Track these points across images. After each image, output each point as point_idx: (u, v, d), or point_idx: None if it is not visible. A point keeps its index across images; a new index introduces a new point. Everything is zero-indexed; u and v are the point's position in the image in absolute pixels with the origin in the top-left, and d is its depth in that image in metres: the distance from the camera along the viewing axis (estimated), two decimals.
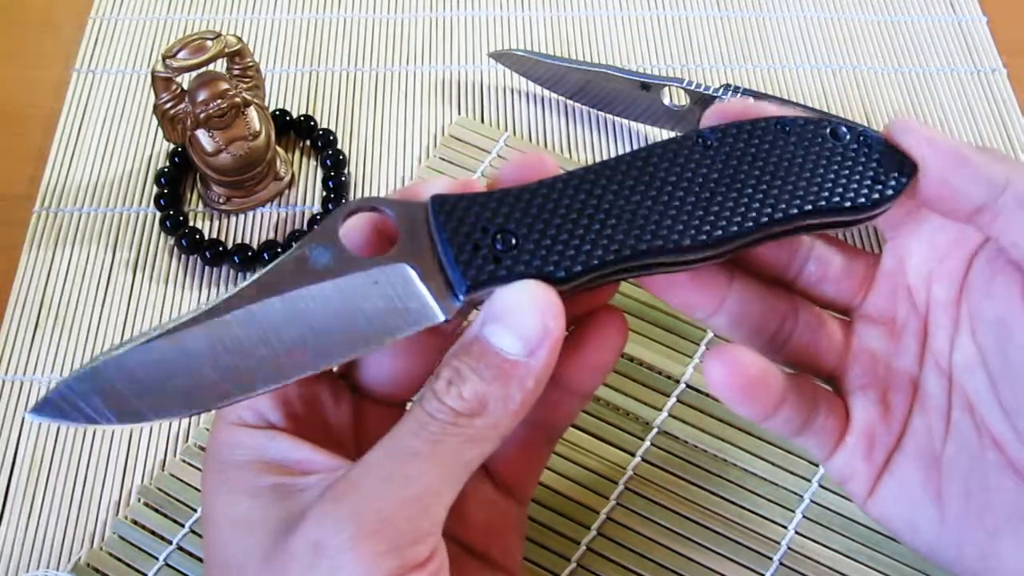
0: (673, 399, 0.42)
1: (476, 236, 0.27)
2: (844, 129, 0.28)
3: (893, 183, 0.28)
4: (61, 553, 0.39)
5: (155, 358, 0.25)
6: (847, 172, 0.28)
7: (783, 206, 0.27)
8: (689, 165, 0.28)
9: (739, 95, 0.47)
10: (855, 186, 0.28)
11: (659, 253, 0.27)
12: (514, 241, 0.27)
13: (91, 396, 0.25)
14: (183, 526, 0.39)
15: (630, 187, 0.27)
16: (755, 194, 0.27)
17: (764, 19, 0.58)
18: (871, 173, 0.28)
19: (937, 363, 0.29)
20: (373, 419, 0.30)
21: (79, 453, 0.42)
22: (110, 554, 0.39)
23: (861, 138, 0.28)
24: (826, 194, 0.28)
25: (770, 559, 0.39)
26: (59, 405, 0.25)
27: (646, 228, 0.27)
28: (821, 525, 0.39)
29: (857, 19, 0.59)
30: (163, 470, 0.41)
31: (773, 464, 0.41)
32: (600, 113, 0.53)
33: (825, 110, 0.48)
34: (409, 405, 0.30)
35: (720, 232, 0.27)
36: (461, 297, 0.26)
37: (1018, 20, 0.59)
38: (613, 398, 0.42)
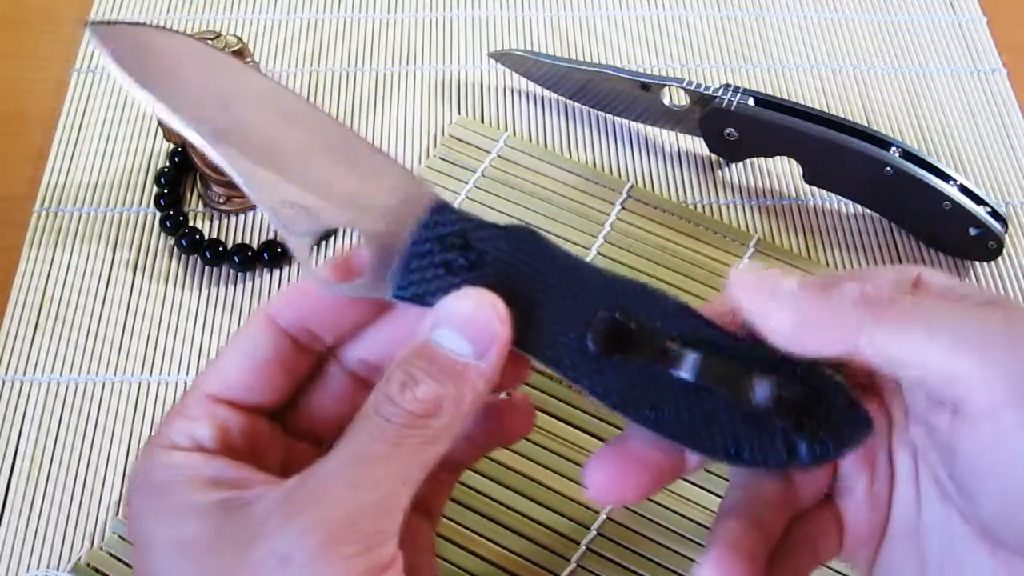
0: None
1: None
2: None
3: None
4: (61, 553, 0.39)
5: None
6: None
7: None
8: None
9: (739, 95, 0.47)
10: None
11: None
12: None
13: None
14: None
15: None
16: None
17: (764, 19, 0.58)
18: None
19: (901, 436, 0.28)
20: (302, 460, 0.29)
21: (79, 453, 0.42)
22: (110, 554, 0.39)
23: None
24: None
25: None
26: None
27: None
28: None
29: (857, 19, 0.59)
30: None
31: None
32: (600, 113, 0.53)
33: (825, 110, 0.48)
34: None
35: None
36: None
37: (1018, 20, 0.59)
38: None
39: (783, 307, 0.25)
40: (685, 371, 0.26)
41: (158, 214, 0.48)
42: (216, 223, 0.49)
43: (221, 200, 0.48)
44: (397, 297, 0.27)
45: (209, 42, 0.44)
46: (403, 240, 0.27)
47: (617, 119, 0.53)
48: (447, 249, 0.27)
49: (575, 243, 0.47)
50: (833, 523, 0.29)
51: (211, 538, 0.25)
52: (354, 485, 0.24)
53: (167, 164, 0.50)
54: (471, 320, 0.26)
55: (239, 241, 0.48)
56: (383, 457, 0.25)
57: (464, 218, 0.28)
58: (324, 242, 0.48)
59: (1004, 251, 0.47)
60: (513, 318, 0.27)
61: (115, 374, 0.44)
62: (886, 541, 0.29)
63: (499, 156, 0.50)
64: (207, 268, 0.47)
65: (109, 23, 0.27)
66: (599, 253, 0.47)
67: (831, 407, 0.27)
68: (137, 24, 0.28)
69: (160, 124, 0.46)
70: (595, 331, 0.27)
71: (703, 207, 0.50)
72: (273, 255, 0.47)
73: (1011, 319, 0.24)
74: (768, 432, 0.26)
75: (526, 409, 0.32)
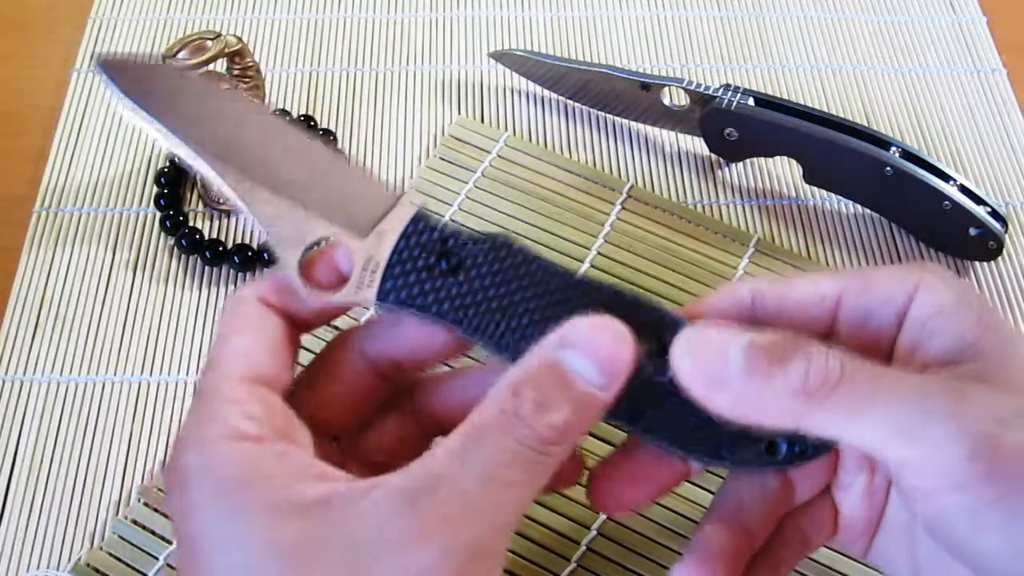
0: None
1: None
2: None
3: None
4: (61, 553, 0.39)
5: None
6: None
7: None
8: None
9: (739, 95, 0.47)
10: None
11: None
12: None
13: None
14: None
15: None
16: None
17: (764, 19, 0.58)
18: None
19: None
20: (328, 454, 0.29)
21: (79, 453, 0.42)
22: (110, 554, 0.39)
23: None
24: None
25: None
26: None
27: None
28: None
29: (857, 19, 0.59)
30: (163, 470, 0.41)
31: None
32: (600, 113, 0.53)
33: (825, 110, 0.48)
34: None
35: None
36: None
37: (1018, 20, 0.59)
38: None
39: (724, 391, 0.25)
40: (667, 373, 0.26)
41: (158, 214, 0.48)
42: (216, 223, 0.49)
43: (221, 200, 0.48)
44: (379, 302, 0.28)
45: (209, 42, 0.44)
46: (385, 249, 0.28)
47: (617, 119, 0.53)
48: (428, 255, 0.28)
49: (575, 243, 0.47)
50: (828, 513, 0.29)
51: (317, 540, 0.23)
52: (483, 511, 0.24)
53: (167, 164, 0.50)
54: (611, 357, 0.25)
55: (239, 241, 0.48)
56: (517, 483, 0.24)
57: (444, 226, 0.28)
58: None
59: (1004, 251, 0.47)
60: (494, 322, 0.27)
61: (115, 374, 0.44)
62: (880, 534, 0.29)
63: (499, 156, 0.50)
64: (207, 268, 0.47)
65: (117, 59, 0.28)
66: (599, 253, 0.47)
67: None
68: (142, 60, 0.29)
69: None
70: None
71: (703, 207, 0.50)
72: (273, 255, 0.46)
73: (953, 405, 0.24)
74: (749, 432, 0.26)
75: (575, 459, 0.30)
